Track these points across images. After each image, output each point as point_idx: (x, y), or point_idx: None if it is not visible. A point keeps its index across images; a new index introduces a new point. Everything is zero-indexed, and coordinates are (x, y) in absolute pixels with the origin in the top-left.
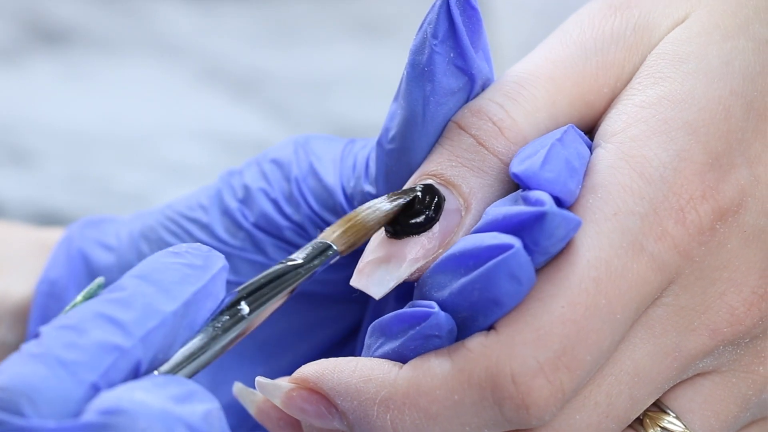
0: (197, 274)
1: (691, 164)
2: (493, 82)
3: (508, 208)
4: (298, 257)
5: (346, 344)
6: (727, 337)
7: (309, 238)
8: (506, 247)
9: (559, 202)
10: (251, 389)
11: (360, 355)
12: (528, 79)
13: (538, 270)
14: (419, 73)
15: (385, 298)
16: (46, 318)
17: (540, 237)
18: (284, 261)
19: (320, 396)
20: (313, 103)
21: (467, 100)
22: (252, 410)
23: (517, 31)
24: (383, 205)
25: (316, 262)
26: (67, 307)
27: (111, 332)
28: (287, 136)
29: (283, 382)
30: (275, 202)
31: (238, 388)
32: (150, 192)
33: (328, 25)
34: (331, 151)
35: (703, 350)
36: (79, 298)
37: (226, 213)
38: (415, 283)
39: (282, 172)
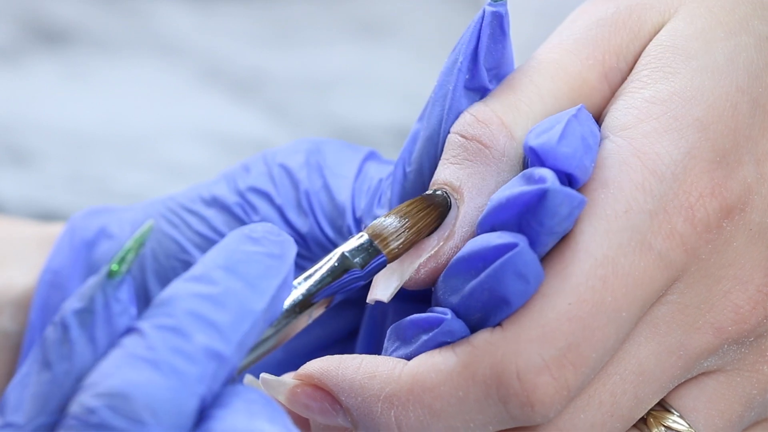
0: (277, 265)
1: (700, 162)
2: None
3: (510, 190)
4: (354, 258)
5: (351, 342)
6: (732, 336)
7: (308, 248)
8: (511, 246)
9: (573, 178)
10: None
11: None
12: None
13: (546, 261)
14: (444, 93)
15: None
16: (47, 308)
17: (544, 216)
18: (338, 259)
19: (324, 392)
20: (313, 103)
21: None
22: None
23: (517, 32)
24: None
25: (371, 273)
26: (120, 253)
27: (212, 337)
28: (287, 136)
29: (288, 379)
30: (280, 209)
31: (248, 380)
32: (150, 192)
33: (328, 25)
34: (345, 165)
35: (707, 349)
36: (131, 242)
37: (226, 208)
38: (432, 289)
39: (291, 179)
